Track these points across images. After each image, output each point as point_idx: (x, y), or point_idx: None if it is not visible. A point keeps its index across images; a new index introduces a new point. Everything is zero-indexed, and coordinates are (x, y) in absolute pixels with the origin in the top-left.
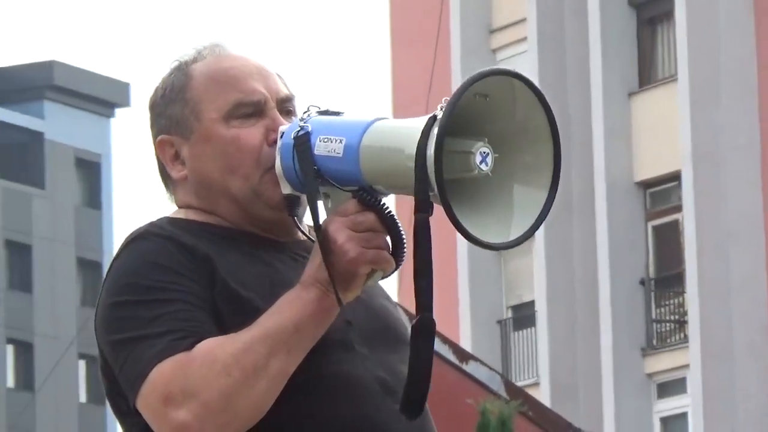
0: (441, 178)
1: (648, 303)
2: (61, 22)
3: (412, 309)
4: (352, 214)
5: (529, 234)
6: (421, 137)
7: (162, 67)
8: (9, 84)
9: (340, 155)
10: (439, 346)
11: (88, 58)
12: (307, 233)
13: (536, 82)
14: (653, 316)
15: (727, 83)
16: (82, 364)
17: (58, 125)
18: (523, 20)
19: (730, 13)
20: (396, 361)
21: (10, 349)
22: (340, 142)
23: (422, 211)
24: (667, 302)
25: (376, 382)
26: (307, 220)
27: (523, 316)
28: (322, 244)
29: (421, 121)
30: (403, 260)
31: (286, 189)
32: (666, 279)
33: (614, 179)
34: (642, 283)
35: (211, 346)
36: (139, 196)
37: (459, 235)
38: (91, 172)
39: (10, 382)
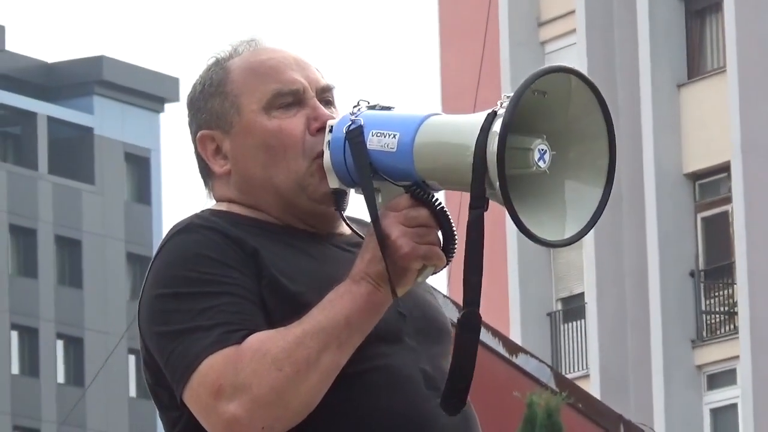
0: (503, 176)
1: (697, 295)
2: (110, 18)
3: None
4: (404, 209)
5: (585, 232)
6: (480, 133)
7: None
8: (58, 80)
9: (394, 150)
10: (488, 338)
11: (137, 53)
12: (353, 227)
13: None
14: (703, 308)
15: None
16: (132, 359)
17: (108, 121)
18: (572, 12)
19: None
20: (439, 355)
21: (60, 345)
22: (394, 137)
23: (477, 207)
24: (716, 294)
25: (421, 376)
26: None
27: (573, 308)
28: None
29: (479, 117)
30: (453, 256)
31: (333, 183)
32: (715, 270)
33: (663, 171)
34: (691, 274)
35: (261, 340)
36: (188, 191)
37: (509, 228)
38: (140, 167)
39: (61, 377)
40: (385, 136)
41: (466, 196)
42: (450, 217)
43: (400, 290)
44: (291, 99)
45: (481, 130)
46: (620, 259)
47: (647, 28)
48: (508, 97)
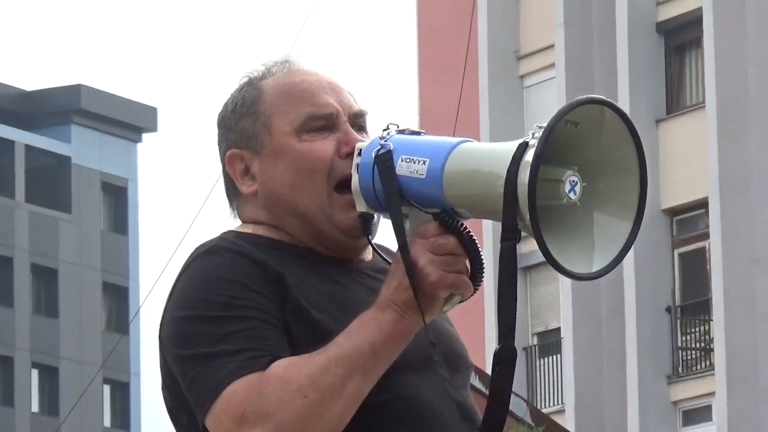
0: (534, 207)
1: (674, 330)
2: (89, 46)
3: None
4: (433, 236)
5: (613, 266)
6: (511, 163)
7: (190, 92)
8: (36, 108)
9: (423, 176)
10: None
11: (115, 83)
12: (381, 253)
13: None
14: (679, 344)
15: (755, 110)
16: (107, 389)
17: (85, 149)
18: (551, 47)
19: (758, 39)
20: (464, 387)
21: (35, 374)
22: (424, 163)
23: (510, 238)
24: (693, 330)
25: (455, 407)
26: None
27: (549, 343)
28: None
29: (510, 146)
30: (480, 284)
31: (361, 207)
32: (692, 306)
33: None
34: (668, 310)
35: (286, 367)
36: (165, 221)
37: (485, 260)
38: (117, 196)
39: (35, 406)
40: (414, 162)
41: (489, 224)
42: (478, 245)
43: (426, 318)
44: (323, 123)
45: (512, 160)
46: (597, 294)
47: (626, 63)
48: (540, 127)
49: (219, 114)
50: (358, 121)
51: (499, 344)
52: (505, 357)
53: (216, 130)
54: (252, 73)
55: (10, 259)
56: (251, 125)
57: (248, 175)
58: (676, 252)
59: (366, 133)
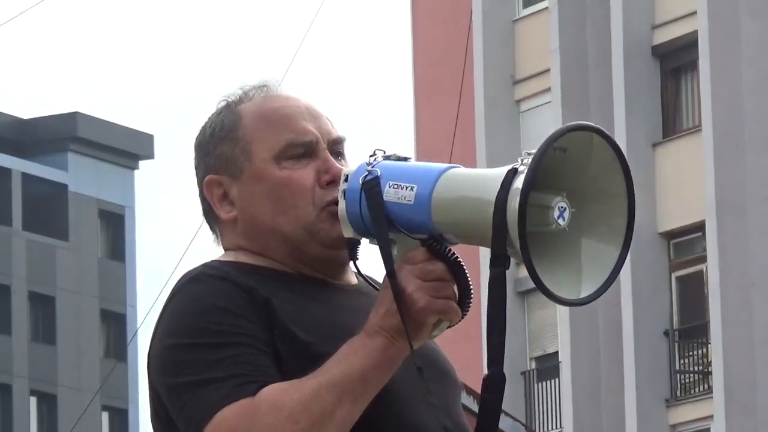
0: (524, 234)
1: (672, 354)
2: (84, 74)
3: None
4: (421, 262)
5: (601, 292)
6: (500, 190)
7: (186, 120)
8: (33, 136)
9: (411, 202)
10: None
11: (111, 110)
12: (365, 277)
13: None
14: (677, 367)
15: (751, 133)
16: (105, 416)
17: (82, 177)
18: (547, 71)
19: (754, 63)
20: (455, 408)
21: (33, 401)
22: (411, 189)
23: (499, 265)
24: (691, 353)
25: (443, 430)
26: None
27: (547, 367)
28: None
29: (499, 173)
30: (468, 310)
31: (348, 233)
32: (690, 330)
33: (638, 230)
34: (666, 334)
35: (276, 392)
36: (162, 248)
37: (481, 283)
38: (114, 224)
39: None
40: (402, 188)
41: (477, 249)
42: (466, 271)
43: (414, 344)
44: (302, 150)
45: (501, 186)
46: (594, 318)
47: (622, 87)
48: (529, 153)
49: (196, 138)
50: (336, 147)
51: (488, 370)
52: (494, 383)
53: (193, 154)
54: (230, 96)
55: (8, 287)
56: (230, 150)
57: (227, 200)
58: (673, 275)
59: (344, 159)
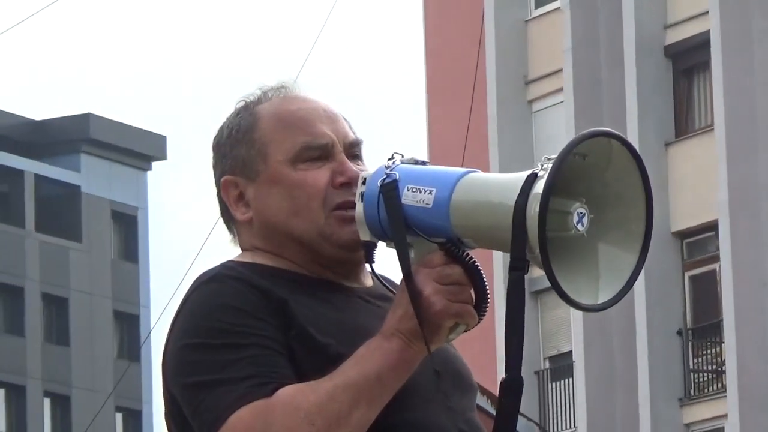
0: (544, 239)
1: (685, 353)
2: (97, 76)
3: None
4: (438, 266)
5: (619, 298)
6: (520, 195)
7: (199, 121)
8: (46, 137)
9: (430, 206)
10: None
11: (124, 112)
12: (382, 280)
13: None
14: (691, 366)
15: (764, 132)
16: (119, 417)
17: (95, 178)
18: (559, 71)
19: (766, 62)
20: (471, 410)
21: (47, 402)
22: (430, 192)
23: (518, 269)
24: (704, 352)
25: None
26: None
27: (561, 366)
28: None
29: (518, 177)
30: (485, 314)
31: (365, 236)
32: (703, 329)
33: None
34: (679, 333)
35: (292, 394)
36: (175, 249)
37: (496, 284)
38: (127, 225)
39: None
40: (420, 192)
41: (492, 252)
42: (483, 275)
43: (431, 347)
44: (318, 153)
45: (521, 191)
46: (608, 318)
47: (635, 87)
48: (548, 159)
49: (214, 138)
50: (353, 150)
51: (506, 375)
52: (511, 388)
53: (211, 155)
54: (248, 97)
55: (21, 288)
56: (246, 152)
57: (242, 201)
58: (686, 275)
59: (361, 161)
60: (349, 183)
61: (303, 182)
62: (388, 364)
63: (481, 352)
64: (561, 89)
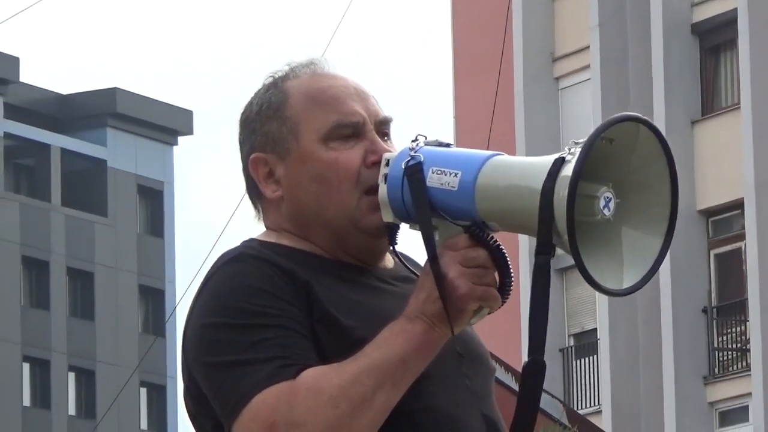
0: (572, 224)
1: (710, 331)
2: (124, 50)
3: None
4: (463, 248)
5: (644, 282)
6: (547, 178)
7: (225, 95)
8: (72, 112)
9: (455, 189)
10: (501, 373)
11: (150, 86)
12: (406, 263)
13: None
14: (715, 345)
15: None
16: (143, 392)
17: (121, 153)
18: (586, 48)
19: None
20: (489, 394)
21: (72, 377)
22: (455, 175)
23: (544, 253)
24: (729, 330)
25: (482, 420)
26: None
27: (585, 344)
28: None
29: (546, 161)
30: (508, 297)
31: (388, 217)
32: (728, 307)
33: None
34: (704, 311)
35: (316, 376)
36: (200, 223)
37: (521, 261)
38: (153, 199)
39: (72, 409)
40: (446, 174)
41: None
42: (508, 258)
43: (455, 330)
44: (350, 131)
45: (548, 175)
46: (633, 296)
47: (661, 65)
48: (576, 143)
49: (242, 114)
50: (383, 128)
51: (528, 357)
52: (533, 371)
53: (238, 130)
54: (276, 73)
55: (47, 262)
56: (277, 129)
57: (272, 179)
58: (712, 253)
59: (390, 139)
60: (380, 161)
61: (336, 162)
62: (411, 346)
63: (507, 331)
64: (588, 66)
